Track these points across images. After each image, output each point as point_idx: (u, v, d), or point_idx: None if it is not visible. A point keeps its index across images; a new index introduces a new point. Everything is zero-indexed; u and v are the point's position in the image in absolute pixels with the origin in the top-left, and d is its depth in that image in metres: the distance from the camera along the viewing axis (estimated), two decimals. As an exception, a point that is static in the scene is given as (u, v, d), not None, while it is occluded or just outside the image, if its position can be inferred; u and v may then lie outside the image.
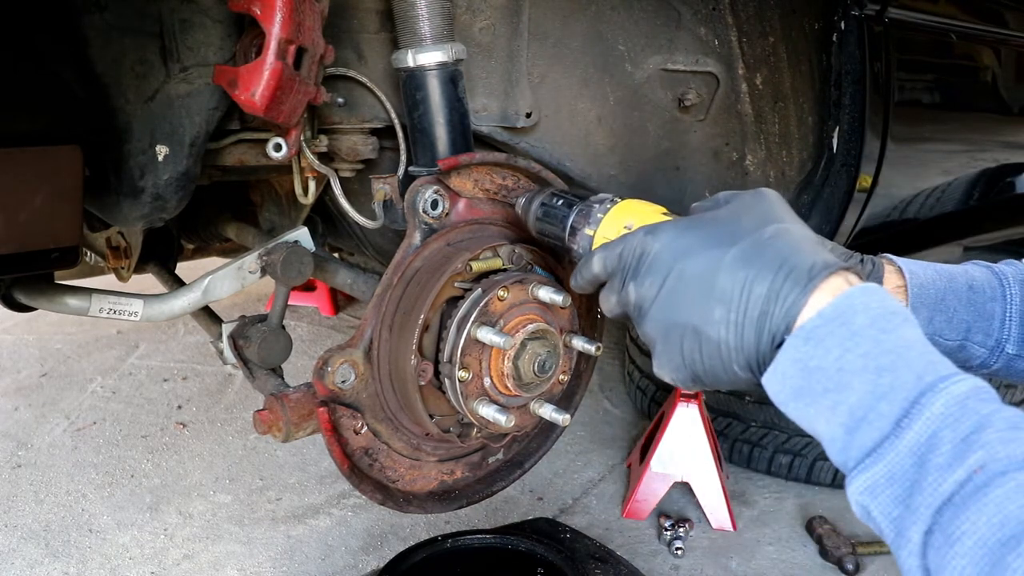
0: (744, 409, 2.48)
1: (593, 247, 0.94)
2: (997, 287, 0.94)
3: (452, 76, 1.16)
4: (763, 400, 2.43)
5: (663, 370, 0.79)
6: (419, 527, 2.19)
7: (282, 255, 1.26)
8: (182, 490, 2.37)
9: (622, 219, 0.92)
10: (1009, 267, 0.96)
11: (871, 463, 0.60)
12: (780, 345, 0.68)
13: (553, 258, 1.18)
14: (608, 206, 0.95)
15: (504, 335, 1.02)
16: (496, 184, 1.16)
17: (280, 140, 1.16)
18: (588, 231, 0.95)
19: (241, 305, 3.96)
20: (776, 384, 0.67)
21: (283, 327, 1.33)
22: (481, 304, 1.03)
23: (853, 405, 0.62)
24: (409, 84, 1.17)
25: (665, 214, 0.91)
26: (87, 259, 1.82)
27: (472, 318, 1.03)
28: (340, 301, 3.98)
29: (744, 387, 0.75)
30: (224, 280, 1.32)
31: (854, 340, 0.63)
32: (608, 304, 0.86)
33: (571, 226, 0.97)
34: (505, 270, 1.10)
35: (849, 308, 0.65)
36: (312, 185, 1.30)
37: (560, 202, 1.01)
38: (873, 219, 1.85)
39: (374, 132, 1.32)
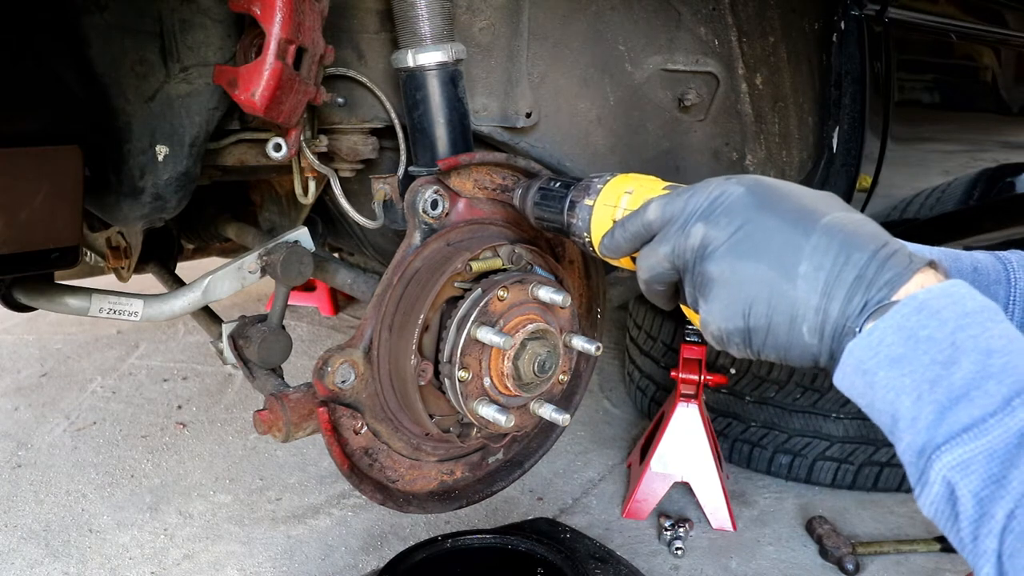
0: (744, 409, 2.48)
1: (592, 216, 0.94)
2: (1001, 271, 0.93)
3: (452, 76, 1.16)
4: (763, 400, 2.44)
5: (713, 318, 0.75)
6: (419, 527, 2.19)
7: (282, 255, 1.26)
8: (182, 490, 2.37)
9: (622, 186, 0.92)
10: (1013, 254, 0.96)
11: (969, 439, 0.58)
12: (868, 315, 0.65)
13: (553, 258, 1.18)
14: (607, 178, 0.95)
15: (504, 335, 1.02)
16: (496, 184, 1.16)
17: (280, 140, 1.16)
18: (588, 201, 0.94)
19: (241, 305, 3.96)
20: (867, 351, 0.64)
21: (283, 327, 1.33)
22: (481, 304, 1.03)
23: (956, 382, 0.60)
24: (409, 84, 1.17)
25: (666, 187, 0.90)
26: (87, 259, 1.82)
27: (472, 318, 1.03)
28: (340, 301, 3.98)
29: (794, 355, 0.71)
30: (224, 280, 1.32)
31: (967, 319, 0.62)
32: (653, 258, 0.81)
33: (570, 201, 0.97)
34: (505, 270, 1.10)
35: (957, 293, 0.64)
36: (312, 185, 1.30)
37: (557, 184, 1.01)
38: (873, 219, 1.85)
39: (374, 132, 1.32)
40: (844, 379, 0.67)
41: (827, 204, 0.73)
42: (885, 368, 0.63)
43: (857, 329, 0.66)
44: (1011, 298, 0.91)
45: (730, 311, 0.73)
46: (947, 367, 0.60)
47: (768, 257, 0.71)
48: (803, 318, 0.69)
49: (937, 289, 0.64)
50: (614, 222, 0.90)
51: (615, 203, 0.92)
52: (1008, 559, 0.54)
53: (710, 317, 0.75)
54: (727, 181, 0.77)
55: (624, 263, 0.93)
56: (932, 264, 0.68)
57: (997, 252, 0.96)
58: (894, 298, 0.65)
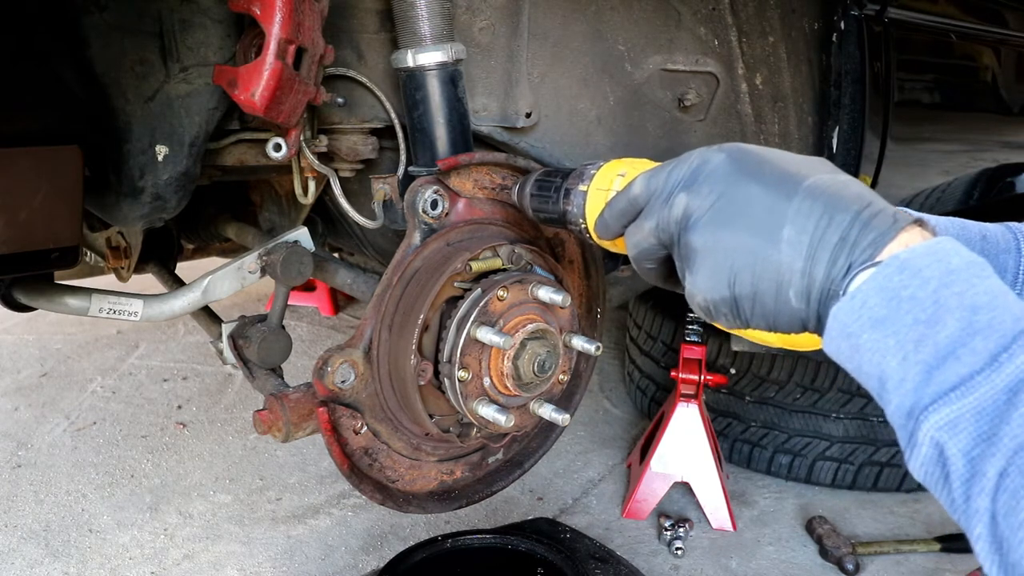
0: (744, 409, 2.48)
1: (587, 202, 0.93)
2: (1011, 240, 0.91)
3: (452, 76, 1.16)
4: (763, 400, 2.44)
5: (698, 289, 0.73)
6: (419, 527, 2.19)
7: (282, 255, 1.26)
8: (182, 490, 2.37)
9: (615, 169, 0.92)
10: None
11: (956, 397, 0.56)
12: (852, 278, 0.65)
13: (553, 258, 1.18)
14: (601, 164, 0.95)
15: (504, 335, 1.02)
16: (496, 184, 1.16)
17: (280, 140, 1.16)
18: (582, 187, 0.94)
19: (241, 305, 3.96)
20: (850, 314, 0.63)
21: (283, 327, 1.33)
22: (481, 304, 1.03)
23: (941, 341, 0.58)
24: (409, 84, 1.17)
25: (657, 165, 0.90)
26: (87, 259, 1.82)
27: (472, 318, 1.03)
28: (340, 301, 3.98)
29: (783, 322, 0.70)
30: (224, 280, 1.32)
31: (951, 277, 0.60)
32: (639, 234, 0.80)
33: (565, 189, 0.97)
34: (505, 270, 1.10)
35: (942, 250, 0.62)
36: (312, 185, 1.30)
37: (553, 175, 1.01)
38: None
39: (374, 132, 1.32)
40: (831, 344, 0.66)
41: (810, 167, 0.72)
42: (869, 330, 0.62)
43: (841, 292, 0.65)
44: (1021, 267, 0.89)
45: (715, 281, 0.72)
46: (931, 326, 0.59)
47: (751, 223, 0.70)
48: (789, 283, 0.68)
49: (921, 248, 0.62)
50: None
51: (608, 186, 0.91)
52: (1003, 518, 0.52)
53: (695, 288, 0.74)
54: (708, 150, 0.77)
55: (621, 246, 0.92)
56: (919, 222, 0.67)
57: (1008, 223, 0.94)
58: (878, 258, 0.64)
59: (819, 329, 0.69)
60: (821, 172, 0.71)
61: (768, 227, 0.69)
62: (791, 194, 0.69)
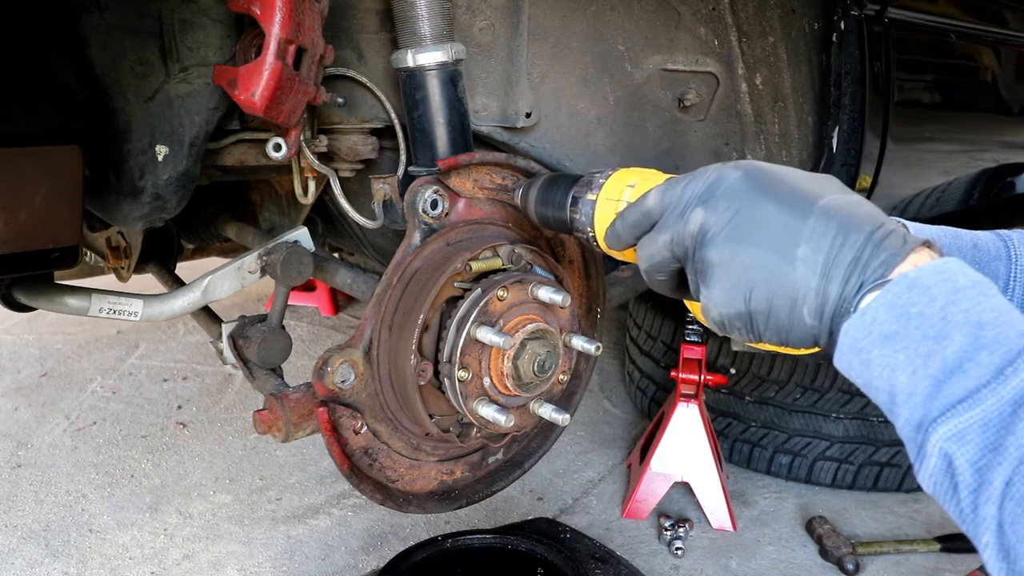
0: (744, 409, 2.48)
1: (596, 210, 0.94)
2: (1002, 248, 0.93)
3: (452, 76, 1.16)
4: (763, 400, 2.44)
5: (714, 303, 0.75)
6: (419, 527, 2.19)
7: (282, 255, 1.26)
8: (182, 490, 2.37)
9: (625, 180, 0.93)
10: (1015, 233, 0.96)
11: (964, 409, 0.58)
12: (863, 295, 0.67)
13: (553, 258, 1.18)
14: (609, 173, 0.95)
15: (504, 335, 1.02)
16: (496, 184, 1.16)
17: (280, 140, 1.16)
18: (590, 196, 0.95)
19: (241, 305, 3.96)
20: (861, 330, 0.65)
21: (283, 327, 1.33)
22: (481, 304, 1.03)
23: (949, 356, 0.60)
24: (409, 84, 1.17)
25: (670, 179, 0.90)
26: (87, 259, 1.82)
27: (472, 318, 1.03)
28: (340, 301, 3.98)
29: (795, 337, 0.72)
30: (224, 280, 1.32)
31: (958, 295, 0.63)
32: (653, 247, 0.81)
33: (572, 197, 0.97)
34: (505, 270, 1.10)
35: (949, 269, 0.64)
36: (312, 185, 1.30)
37: (559, 182, 1.01)
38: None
39: (374, 132, 1.32)
40: (842, 359, 0.68)
41: (823, 186, 0.74)
42: (879, 346, 0.64)
43: (852, 309, 0.67)
44: (1012, 275, 0.91)
45: (731, 296, 0.73)
46: (939, 341, 0.61)
47: (767, 241, 0.71)
48: (804, 300, 0.70)
49: (929, 267, 0.65)
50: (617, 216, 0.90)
51: (618, 197, 0.92)
52: (1009, 526, 0.53)
53: (711, 303, 0.75)
54: (724, 166, 0.78)
55: (628, 256, 0.93)
56: (927, 244, 0.69)
57: (998, 231, 0.96)
58: (889, 277, 0.66)
59: (830, 345, 0.70)
60: (834, 192, 0.73)
61: (784, 245, 0.70)
62: (806, 213, 0.70)
